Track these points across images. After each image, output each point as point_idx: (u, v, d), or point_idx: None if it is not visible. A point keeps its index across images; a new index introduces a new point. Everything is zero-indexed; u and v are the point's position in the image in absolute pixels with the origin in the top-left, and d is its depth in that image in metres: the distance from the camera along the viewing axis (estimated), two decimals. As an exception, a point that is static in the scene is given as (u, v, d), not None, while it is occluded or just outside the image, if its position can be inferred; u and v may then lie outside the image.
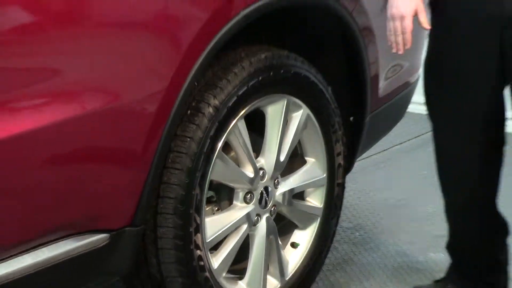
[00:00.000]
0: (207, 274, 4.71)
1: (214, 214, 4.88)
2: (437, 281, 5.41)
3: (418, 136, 6.04)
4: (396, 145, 6.17)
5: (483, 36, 4.74)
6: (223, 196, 4.93)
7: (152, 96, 4.35)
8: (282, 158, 5.04)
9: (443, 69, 4.98)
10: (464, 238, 5.27)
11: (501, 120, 4.93)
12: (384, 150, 6.17)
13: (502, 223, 5.19)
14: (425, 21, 4.76)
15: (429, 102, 5.06)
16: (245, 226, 4.88)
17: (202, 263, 4.66)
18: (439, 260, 5.58)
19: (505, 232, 5.19)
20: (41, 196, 4.12)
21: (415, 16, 4.73)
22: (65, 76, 4.06)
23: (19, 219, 4.07)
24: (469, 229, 5.21)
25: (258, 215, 4.96)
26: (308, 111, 5.10)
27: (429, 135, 5.15)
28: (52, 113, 4.00)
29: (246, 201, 4.89)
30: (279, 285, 5.15)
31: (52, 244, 4.15)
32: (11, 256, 4.04)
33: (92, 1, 4.18)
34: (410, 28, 4.72)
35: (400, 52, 4.85)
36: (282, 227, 5.26)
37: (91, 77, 4.15)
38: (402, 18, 4.73)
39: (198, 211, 4.61)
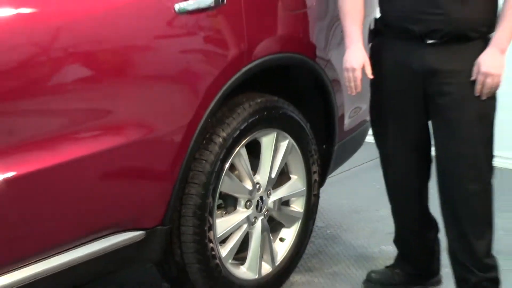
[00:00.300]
0: (217, 261, 4.98)
1: (222, 216, 5.14)
2: (387, 267, 5.61)
3: (373, 159, 6.30)
4: (357, 166, 6.33)
5: (411, 85, 4.98)
6: (229, 203, 5.20)
7: (178, 129, 4.65)
8: (273, 176, 5.29)
9: (382, 110, 5.25)
10: (405, 235, 5.50)
11: (428, 145, 5.17)
12: (348, 169, 6.26)
13: (434, 222, 5.43)
14: (370, 73, 5.01)
15: (375, 134, 5.36)
16: (245, 226, 5.18)
17: (213, 252, 4.94)
18: (389, 251, 5.71)
19: (436, 229, 5.42)
20: (100, 202, 4.44)
21: (363, 68, 5.00)
22: (120, 115, 4.40)
23: (88, 219, 4.43)
24: (409, 227, 5.45)
25: (255, 217, 5.24)
26: (292, 141, 5.35)
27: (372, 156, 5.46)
28: (109, 141, 4.35)
29: (246, 207, 5.18)
30: (270, 269, 5.37)
31: (105, 237, 4.48)
32: (82, 244, 4.39)
33: (139, 63, 4.51)
34: (359, 77, 4.99)
35: (353, 94, 5.10)
36: (273, 226, 5.47)
37: (137, 116, 4.48)
38: (353, 70, 4.98)
39: (211, 214, 4.91)
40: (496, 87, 4.82)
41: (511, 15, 4.78)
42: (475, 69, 4.78)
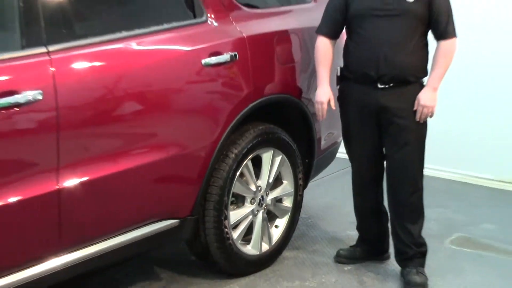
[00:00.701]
0: (230, 241, 5.14)
1: (234, 210, 5.25)
2: (351, 246, 5.68)
3: (341, 170, 6.29)
4: (330, 174, 6.27)
5: (369, 117, 5.17)
6: (239, 200, 5.32)
7: (204, 148, 4.89)
8: (270, 181, 5.41)
9: (349, 134, 5.41)
10: (364, 223, 5.61)
11: (381, 158, 5.29)
12: (324, 177, 6.33)
13: (385, 213, 5.52)
14: (333, 105, 5.27)
15: (346, 150, 5.48)
16: (250, 216, 5.34)
17: (228, 235, 5.11)
18: (353, 235, 5.73)
19: (387, 219, 5.51)
20: (150, 198, 4.70)
21: (329, 102, 5.25)
22: (163, 137, 4.66)
23: (142, 210, 4.70)
24: (367, 217, 5.57)
25: (257, 210, 5.36)
26: (284, 156, 5.45)
27: (348, 169, 5.56)
28: (156, 155, 4.62)
29: (251, 203, 5.33)
30: (268, 248, 5.46)
31: (150, 224, 4.74)
32: (139, 227, 4.68)
33: (178, 100, 4.75)
34: (325, 108, 5.23)
35: (320, 120, 5.40)
36: (270, 217, 5.52)
37: (175, 138, 4.73)
38: (321, 103, 5.23)
39: (226, 208, 5.09)
40: (431, 115, 5.06)
41: (441, 63, 5.01)
42: (416, 102, 5.00)
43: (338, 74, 5.36)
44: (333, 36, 5.32)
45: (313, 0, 5.87)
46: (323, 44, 5.31)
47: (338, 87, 5.40)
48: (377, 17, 5.01)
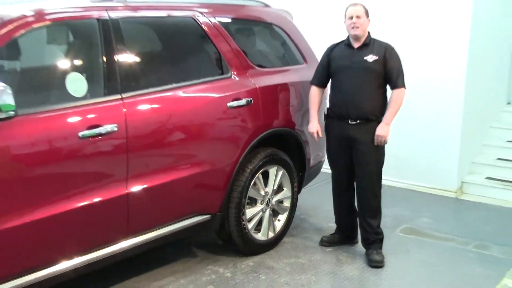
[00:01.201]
0: (246, 230, 5.12)
1: (249, 208, 5.18)
2: (331, 234, 5.60)
3: (324, 180, 6.19)
4: (316, 183, 6.18)
5: (343, 144, 5.18)
6: (252, 201, 5.24)
7: (228, 165, 4.91)
8: (274, 188, 5.36)
9: (331, 155, 5.38)
10: (340, 217, 5.53)
11: (352, 173, 5.22)
12: (312, 185, 6.30)
13: (355, 211, 5.41)
14: (321, 134, 5.31)
15: (329, 165, 5.41)
16: (261, 213, 5.28)
17: (245, 226, 5.09)
18: (332, 226, 5.63)
19: (356, 215, 5.37)
20: (190, 200, 4.73)
21: (318, 132, 5.27)
22: (199, 157, 4.68)
23: (185, 208, 4.73)
24: (342, 213, 5.50)
25: (266, 209, 5.30)
26: (284, 171, 5.40)
27: (329, 180, 5.46)
28: (194, 170, 4.65)
29: (261, 204, 5.28)
30: (273, 235, 5.40)
31: (190, 218, 4.77)
32: (183, 220, 4.71)
33: (210, 131, 4.78)
34: (316, 136, 5.26)
35: (316, 141, 5.38)
36: (274, 213, 5.43)
37: (208, 157, 4.76)
38: (312, 133, 5.28)
39: (244, 207, 5.07)
40: (385, 142, 5.07)
41: (393, 106, 5.02)
42: (375, 132, 5.01)
43: (325, 113, 5.37)
44: (321, 86, 5.37)
45: (305, 62, 5.81)
46: (314, 92, 5.36)
47: (325, 122, 5.38)
48: (348, 72, 5.09)
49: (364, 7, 5.06)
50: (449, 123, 7.06)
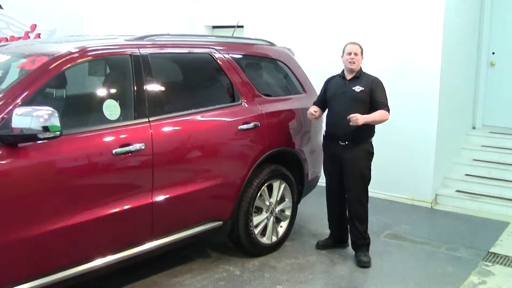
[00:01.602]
0: (253, 235, 5.09)
1: (256, 216, 5.14)
2: (325, 239, 5.53)
3: (321, 192, 6.15)
4: (313, 195, 6.09)
5: (335, 161, 5.18)
6: (259, 210, 5.18)
7: (238, 178, 4.88)
8: (278, 199, 5.32)
9: (326, 169, 5.36)
10: (333, 223, 5.47)
11: (343, 186, 5.16)
12: (310, 196, 5.99)
13: (346, 218, 5.32)
14: (316, 115, 5.24)
15: (325, 177, 5.35)
16: (265, 220, 5.23)
17: (252, 231, 5.07)
18: (326, 232, 5.59)
19: (346, 222, 5.32)
20: (206, 208, 4.70)
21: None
22: (214, 171, 4.67)
23: (202, 215, 4.70)
24: (334, 220, 5.46)
25: (270, 217, 5.25)
26: (286, 184, 5.36)
27: (324, 192, 5.42)
28: (209, 182, 4.64)
29: (266, 212, 5.23)
30: (276, 239, 5.34)
31: (205, 223, 4.74)
32: (200, 225, 4.68)
33: (223, 149, 4.79)
34: (312, 113, 5.20)
35: (311, 120, 5.35)
36: (277, 220, 5.37)
37: (221, 172, 4.73)
38: (309, 112, 5.24)
39: (251, 215, 5.04)
40: (355, 123, 4.87)
41: (376, 114, 4.95)
42: (352, 115, 4.86)
43: (323, 135, 5.37)
44: (320, 108, 5.33)
45: (304, 92, 5.80)
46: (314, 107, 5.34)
47: (322, 143, 5.40)
48: (339, 100, 5.12)
49: (361, 46, 5.12)
50: (425, 143, 7.08)
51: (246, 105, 5.07)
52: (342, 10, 7.66)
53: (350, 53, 5.06)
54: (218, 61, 5.01)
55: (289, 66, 5.85)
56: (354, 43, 5.13)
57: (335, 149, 5.17)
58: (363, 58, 5.14)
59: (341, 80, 5.17)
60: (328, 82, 5.33)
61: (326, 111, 5.33)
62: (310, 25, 7.96)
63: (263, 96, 5.28)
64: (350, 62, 5.05)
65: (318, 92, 5.65)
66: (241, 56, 5.33)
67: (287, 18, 8.17)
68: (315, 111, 5.26)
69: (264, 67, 5.85)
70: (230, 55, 5.14)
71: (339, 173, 5.20)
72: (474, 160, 7.71)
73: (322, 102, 5.33)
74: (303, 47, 7.23)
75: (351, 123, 4.85)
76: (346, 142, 5.07)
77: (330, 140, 5.24)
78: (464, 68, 7.96)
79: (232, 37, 5.75)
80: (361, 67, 5.15)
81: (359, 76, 5.10)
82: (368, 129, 5.11)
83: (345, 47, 5.15)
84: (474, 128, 8.43)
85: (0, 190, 3.33)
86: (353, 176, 5.13)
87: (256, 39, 5.95)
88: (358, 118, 4.82)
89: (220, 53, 5.06)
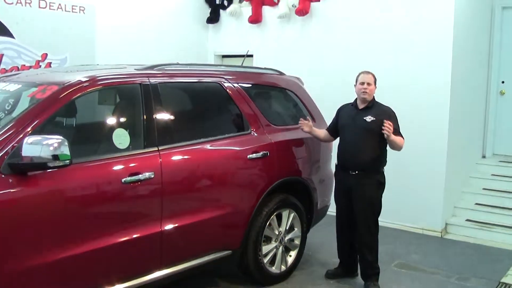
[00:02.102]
0: (262, 264, 5.04)
1: (265, 245, 5.09)
2: (335, 268, 5.50)
3: (330, 221, 6.15)
4: (322, 224, 6.14)
5: (345, 192, 5.15)
6: (268, 239, 5.13)
7: (248, 208, 4.85)
8: (286, 228, 5.27)
9: (336, 197, 5.33)
10: (342, 253, 5.43)
11: (353, 216, 5.12)
12: (319, 225, 5.98)
13: (355, 248, 5.27)
14: (312, 129, 5.31)
15: (336, 205, 5.32)
16: (275, 249, 5.20)
17: (261, 260, 5.02)
18: (336, 261, 5.53)
19: (356, 252, 5.27)
20: (216, 237, 4.66)
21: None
22: (223, 200, 4.66)
23: (212, 244, 4.65)
24: (344, 250, 5.42)
25: (279, 246, 5.22)
26: (295, 213, 5.33)
27: (333, 222, 5.50)
28: (218, 211, 4.62)
29: (275, 241, 5.19)
30: (285, 268, 5.29)
31: (214, 253, 4.68)
32: (211, 254, 4.64)
33: (233, 178, 4.78)
34: (304, 123, 5.26)
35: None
36: (286, 249, 5.32)
37: (230, 201, 4.72)
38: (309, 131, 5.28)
39: (260, 244, 5.00)
40: (388, 132, 4.81)
41: (398, 139, 4.92)
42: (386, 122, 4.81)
43: (336, 163, 5.32)
44: (332, 134, 5.40)
45: (313, 121, 5.72)
46: (325, 132, 5.43)
47: (334, 172, 5.38)
48: (350, 130, 5.12)
49: (374, 76, 5.10)
50: (434, 172, 7.06)
51: (255, 134, 5.06)
52: (350, 41, 7.72)
53: (363, 83, 5.04)
54: (228, 90, 5.01)
55: (298, 95, 5.85)
56: (368, 72, 5.10)
57: (346, 178, 5.14)
58: (376, 87, 5.11)
59: (353, 109, 5.16)
60: (340, 110, 5.34)
61: (338, 140, 5.34)
62: (319, 54, 8.03)
63: (273, 125, 5.27)
64: (363, 92, 5.03)
65: (327, 121, 5.69)
66: (250, 86, 5.34)
67: (296, 47, 8.25)
68: (308, 121, 5.33)
69: (273, 96, 5.86)
70: (239, 84, 5.14)
71: (350, 202, 5.16)
72: (484, 189, 7.66)
73: (334, 129, 5.35)
74: (312, 76, 7.24)
75: (383, 131, 4.78)
76: (357, 172, 5.05)
77: (341, 170, 5.22)
78: (473, 97, 7.95)
79: (241, 66, 5.78)
80: (374, 97, 5.12)
81: (371, 106, 5.08)
82: (380, 159, 5.10)
83: (358, 76, 5.13)
84: (484, 157, 8.39)
85: (10, 218, 3.33)
86: (363, 207, 5.10)
87: (265, 69, 5.97)
88: (390, 127, 4.77)
89: (229, 82, 5.06)
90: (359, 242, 5.22)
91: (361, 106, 5.11)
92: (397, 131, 4.99)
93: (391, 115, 5.02)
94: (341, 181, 5.25)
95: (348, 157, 5.09)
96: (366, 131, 5.00)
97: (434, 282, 5.52)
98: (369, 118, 5.00)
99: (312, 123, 5.38)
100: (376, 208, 5.15)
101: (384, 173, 5.17)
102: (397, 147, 4.99)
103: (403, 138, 5.00)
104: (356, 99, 5.19)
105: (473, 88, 7.87)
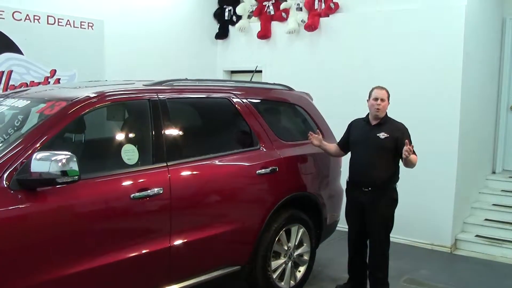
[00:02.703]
0: (271, 280, 5.01)
1: (274, 261, 5.05)
2: (344, 283, 5.48)
3: (339, 237, 6.22)
4: (332, 239, 6.17)
5: (358, 209, 5.13)
6: (277, 255, 5.09)
7: (256, 223, 4.82)
8: (296, 243, 5.25)
9: (347, 213, 5.29)
10: (353, 269, 5.39)
11: (365, 233, 5.16)
12: (328, 241, 5.98)
13: (366, 263, 5.29)
14: (321, 142, 5.29)
15: (347, 222, 5.31)
16: (284, 265, 5.16)
17: (270, 276, 4.98)
18: (345, 276, 5.50)
19: (366, 267, 5.29)
20: (224, 253, 4.63)
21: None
22: (231, 216, 4.65)
23: (220, 260, 4.63)
24: (354, 266, 5.38)
25: (288, 261, 5.19)
26: (304, 229, 5.32)
27: (342, 237, 5.50)
28: (227, 227, 4.59)
29: (284, 257, 5.16)
30: (294, 284, 5.27)
31: (223, 268, 4.66)
32: (219, 270, 4.63)
33: (241, 194, 4.77)
34: (314, 137, 5.25)
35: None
36: (295, 265, 5.29)
37: (238, 217, 4.70)
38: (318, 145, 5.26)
39: (269, 259, 4.97)
40: (409, 152, 4.73)
41: (412, 158, 4.84)
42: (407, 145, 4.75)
43: (347, 180, 5.28)
44: (342, 149, 5.38)
45: (322, 137, 5.72)
46: (335, 146, 5.41)
47: (346, 188, 5.35)
48: (362, 146, 5.10)
49: (388, 92, 5.05)
50: (444, 187, 7.03)
51: (264, 150, 5.04)
52: (359, 56, 7.72)
53: (376, 99, 4.99)
54: (236, 105, 5.01)
55: (307, 111, 5.84)
56: (382, 88, 5.05)
57: (358, 195, 5.10)
58: (389, 103, 5.07)
59: (366, 125, 5.13)
60: (351, 125, 5.31)
61: (350, 155, 5.31)
62: (328, 69, 8.03)
63: (281, 140, 5.25)
64: (376, 109, 4.99)
65: (336, 136, 5.67)
66: (259, 101, 5.34)
67: (305, 63, 8.26)
68: (318, 135, 5.30)
69: (282, 112, 5.85)
70: (248, 99, 5.14)
71: (362, 219, 5.15)
72: (493, 204, 7.63)
73: (345, 144, 5.34)
74: (321, 92, 7.22)
75: (404, 152, 4.70)
76: (370, 189, 5.02)
77: (353, 186, 5.19)
78: (484, 112, 7.93)
79: (250, 82, 5.78)
80: (386, 112, 5.08)
81: (384, 122, 5.04)
82: (393, 175, 5.07)
83: (371, 91, 5.09)
84: (494, 172, 8.36)
85: (18, 234, 3.34)
86: (377, 224, 5.07)
87: (274, 84, 5.96)
88: (411, 150, 4.72)
89: (238, 97, 5.06)
90: (371, 259, 5.19)
91: (373, 122, 5.07)
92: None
93: (404, 133, 4.99)
94: (353, 198, 5.20)
95: (361, 174, 5.06)
96: (380, 148, 4.97)
97: (444, 298, 5.49)
98: (382, 135, 4.96)
99: (321, 137, 5.35)
100: (389, 226, 5.11)
101: (397, 189, 5.13)
102: (411, 166, 4.94)
103: (416, 155, 4.97)
104: (368, 114, 5.15)
105: (483, 103, 7.85)
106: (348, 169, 5.25)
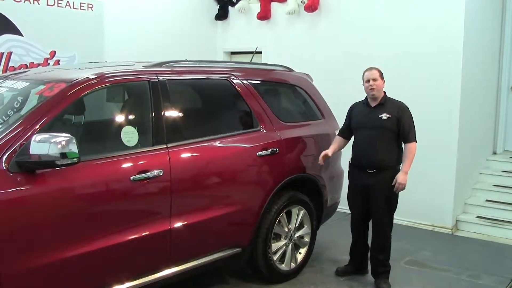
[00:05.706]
0: (272, 262, 5.03)
1: (274, 243, 5.08)
2: (345, 265, 5.49)
3: (339, 218, 6.25)
4: (332, 221, 6.11)
5: (361, 191, 5.13)
6: (277, 237, 5.12)
7: (257, 205, 4.83)
8: (296, 225, 5.27)
9: (350, 196, 5.28)
10: (354, 251, 5.43)
11: (367, 215, 5.18)
12: (329, 222, 5.99)
13: (367, 245, 5.33)
14: (329, 154, 5.23)
15: (349, 205, 5.32)
16: (284, 246, 5.18)
17: (270, 258, 5.00)
18: (346, 258, 5.52)
19: (368, 249, 5.33)
20: (225, 235, 4.65)
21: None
22: (233, 198, 4.63)
23: (221, 242, 4.64)
24: (356, 248, 5.40)
25: (289, 243, 5.22)
26: (305, 210, 5.32)
27: (343, 218, 5.49)
28: (228, 209, 4.59)
29: (285, 239, 5.18)
30: (294, 266, 5.30)
31: (223, 250, 4.68)
32: (220, 252, 4.64)
33: (241, 176, 4.76)
34: (323, 156, 5.20)
35: (319, 162, 5.26)
36: (296, 247, 5.33)
37: (240, 198, 4.69)
38: (322, 154, 5.21)
39: (270, 241, 4.98)
40: (403, 188, 4.96)
41: (408, 157, 4.93)
42: (394, 180, 4.93)
43: (349, 162, 5.29)
44: (345, 137, 5.36)
45: (323, 118, 5.76)
46: (337, 139, 5.38)
47: (348, 171, 5.33)
48: (365, 128, 5.11)
49: (379, 71, 5.04)
50: (445, 169, 7.04)
51: (265, 131, 5.04)
52: (360, 38, 7.70)
53: (368, 80, 4.99)
54: (237, 87, 5.00)
55: (307, 92, 5.82)
56: (371, 68, 5.06)
57: (362, 177, 5.11)
58: (384, 81, 5.04)
59: (366, 107, 5.13)
60: (352, 110, 5.31)
61: (352, 139, 5.31)
62: (328, 50, 8.01)
63: (282, 122, 5.26)
64: (370, 89, 4.99)
65: (336, 118, 5.67)
66: (259, 82, 5.32)
67: (305, 44, 8.24)
68: (326, 154, 5.26)
69: (282, 93, 5.83)
70: (248, 81, 5.12)
71: (365, 201, 5.16)
72: (494, 185, 7.63)
73: (348, 131, 5.33)
74: (321, 73, 7.20)
75: (398, 190, 4.97)
76: (374, 170, 5.01)
77: (356, 168, 5.19)
78: (484, 93, 7.91)
79: (250, 63, 5.75)
80: (385, 92, 5.08)
81: (384, 102, 5.04)
82: (397, 156, 5.06)
83: (363, 75, 5.09)
84: (494, 153, 8.35)
85: (17, 216, 3.33)
86: (380, 205, 5.07)
87: (274, 65, 5.93)
88: (403, 182, 4.94)
89: (238, 79, 5.05)
90: (373, 242, 5.21)
91: (373, 103, 5.07)
92: (411, 137, 4.99)
93: (405, 112, 5.01)
94: (357, 180, 5.21)
95: (365, 156, 5.05)
96: (383, 129, 4.98)
97: (444, 279, 5.50)
98: (384, 116, 4.97)
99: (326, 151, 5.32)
100: (392, 206, 5.12)
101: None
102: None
103: (415, 141, 5.01)
104: (366, 97, 5.14)
105: (483, 84, 7.82)
106: (351, 152, 5.24)
